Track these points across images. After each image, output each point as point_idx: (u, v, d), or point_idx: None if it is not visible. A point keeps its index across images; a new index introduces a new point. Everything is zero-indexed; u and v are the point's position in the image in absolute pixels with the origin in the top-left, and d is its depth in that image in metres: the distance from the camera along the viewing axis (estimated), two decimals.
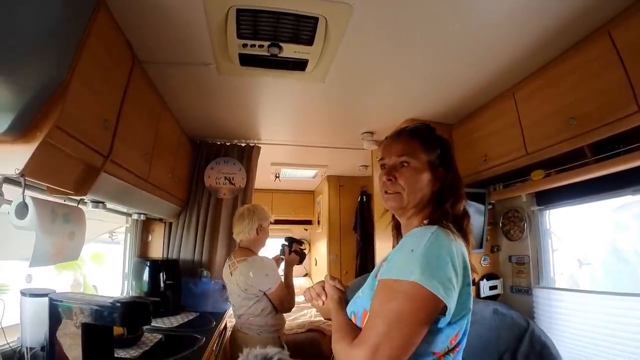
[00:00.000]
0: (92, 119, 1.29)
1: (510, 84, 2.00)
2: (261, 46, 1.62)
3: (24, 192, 1.10)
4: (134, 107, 1.63)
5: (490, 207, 2.52)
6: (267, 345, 2.08)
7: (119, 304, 1.09)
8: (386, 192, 0.99)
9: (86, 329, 1.08)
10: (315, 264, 5.34)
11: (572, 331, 2.04)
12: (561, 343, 2.05)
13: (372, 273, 0.97)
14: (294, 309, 2.28)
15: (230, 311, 2.57)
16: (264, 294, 2.04)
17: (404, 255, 0.83)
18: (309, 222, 5.44)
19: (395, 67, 1.85)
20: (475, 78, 1.96)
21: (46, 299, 1.15)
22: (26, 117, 1.03)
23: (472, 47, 1.66)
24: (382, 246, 2.94)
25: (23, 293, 1.22)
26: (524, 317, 2.15)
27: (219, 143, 3.02)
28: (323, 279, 1.13)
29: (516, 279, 2.45)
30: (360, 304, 0.92)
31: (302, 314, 4.03)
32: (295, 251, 2.31)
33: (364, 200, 4.37)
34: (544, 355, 1.99)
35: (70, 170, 1.28)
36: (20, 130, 1.04)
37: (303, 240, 2.44)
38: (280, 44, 1.61)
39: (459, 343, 0.87)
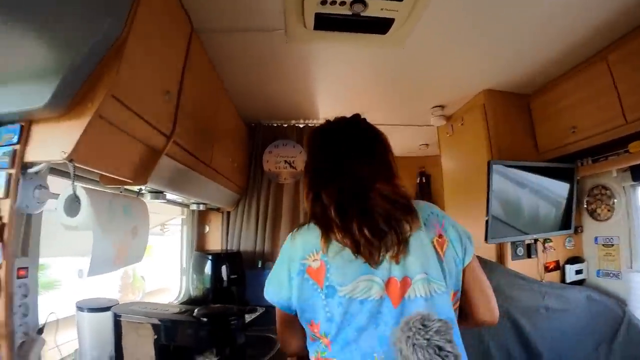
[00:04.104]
0: (152, 90, 1.04)
1: (600, 46, 1.76)
2: (342, 3, 1.33)
3: (73, 181, 0.86)
4: (195, 80, 1.37)
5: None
6: None
7: (205, 319, 0.84)
8: None
9: (162, 350, 0.84)
10: None
11: None
12: None
13: None
14: None
15: None
16: None
17: None
18: None
19: (477, 31, 1.62)
20: (561, 42, 1.73)
21: (109, 314, 0.91)
22: (73, 85, 0.79)
23: (562, 9, 1.45)
24: None
25: (80, 307, 0.96)
26: (619, 304, 2.01)
27: (275, 125, 2.78)
28: None
29: (603, 262, 2.22)
30: None
31: None
32: None
33: (424, 181, 4.07)
34: None
35: (128, 154, 1.04)
36: (65, 103, 0.80)
37: None
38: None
39: (326, 334, 0.76)
